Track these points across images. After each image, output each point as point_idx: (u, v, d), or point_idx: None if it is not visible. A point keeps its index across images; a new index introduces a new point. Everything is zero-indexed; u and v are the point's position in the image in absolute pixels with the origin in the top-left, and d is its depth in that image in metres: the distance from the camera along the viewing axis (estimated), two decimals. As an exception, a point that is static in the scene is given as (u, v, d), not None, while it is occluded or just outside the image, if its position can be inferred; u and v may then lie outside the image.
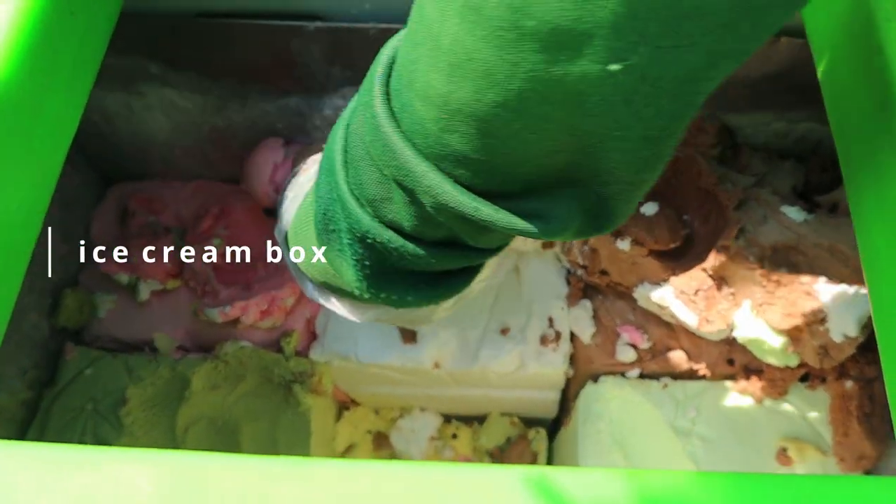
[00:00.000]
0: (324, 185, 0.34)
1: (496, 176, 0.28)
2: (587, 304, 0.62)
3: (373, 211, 0.32)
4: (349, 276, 0.35)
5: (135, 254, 0.63)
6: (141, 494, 0.20)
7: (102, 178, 0.69)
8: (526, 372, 0.62)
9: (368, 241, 0.33)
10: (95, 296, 0.64)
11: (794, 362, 0.55)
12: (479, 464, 0.70)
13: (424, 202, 0.30)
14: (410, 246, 0.33)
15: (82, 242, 0.66)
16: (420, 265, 0.34)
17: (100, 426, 0.60)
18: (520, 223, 0.29)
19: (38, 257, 0.60)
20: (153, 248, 0.63)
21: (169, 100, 0.59)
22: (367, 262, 0.34)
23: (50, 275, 0.62)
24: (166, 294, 0.64)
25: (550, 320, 0.62)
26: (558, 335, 0.62)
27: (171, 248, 0.63)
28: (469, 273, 0.37)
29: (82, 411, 0.61)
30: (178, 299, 0.64)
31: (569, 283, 0.63)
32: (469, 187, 0.28)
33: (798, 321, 0.52)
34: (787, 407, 0.60)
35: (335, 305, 0.42)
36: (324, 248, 0.36)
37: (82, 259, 0.66)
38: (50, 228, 0.62)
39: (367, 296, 0.36)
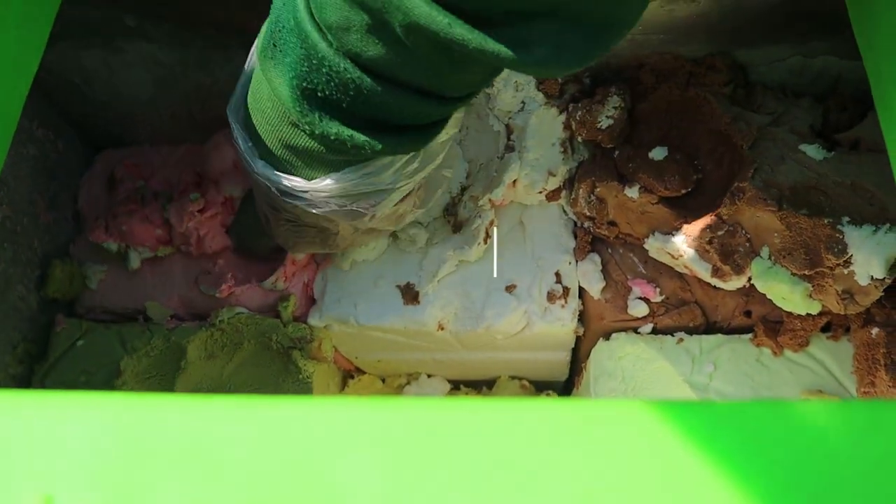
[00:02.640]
0: (278, 3, 0.33)
1: None
2: (595, 257, 0.59)
3: (333, 39, 0.31)
4: (285, 93, 0.34)
5: (124, 221, 0.60)
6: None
7: (89, 144, 0.67)
8: (533, 331, 0.59)
9: (324, 69, 0.32)
10: (85, 266, 0.62)
11: (815, 310, 0.52)
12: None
13: (393, 23, 0.29)
14: (367, 80, 0.32)
15: (70, 212, 0.64)
16: (374, 104, 0.33)
17: (93, 399, 0.58)
18: (494, 46, 0.28)
19: (24, 227, 0.58)
20: (142, 214, 0.60)
21: (149, 55, 0.56)
22: (307, 85, 0.34)
23: (35, 245, 0.60)
24: (158, 261, 0.62)
25: (558, 275, 0.59)
26: (566, 291, 0.59)
27: (161, 213, 0.61)
28: (427, 130, 0.37)
29: (75, 385, 0.59)
30: (170, 267, 0.62)
31: (575, 236, 0.60)
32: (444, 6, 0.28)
33: (821, 265, 0.49)
34: (808, 359, 0.57)
35: (287, 177, 0.41)
36: (264, 61, 0.35)
37: (70, 229, 0.64)
38: (37, 197, 0.60)
39: (302, 118, 0.35)
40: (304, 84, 0.34)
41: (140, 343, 0.60)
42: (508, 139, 0.60)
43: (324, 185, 0.40)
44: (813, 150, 0.52)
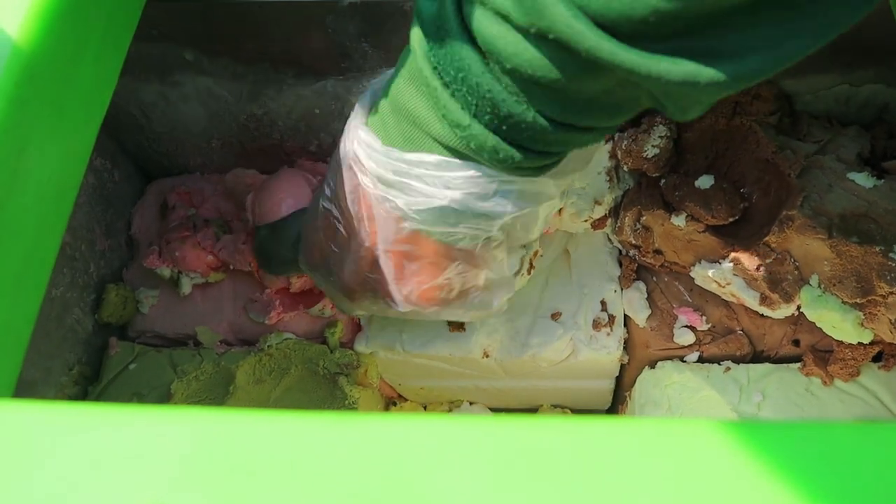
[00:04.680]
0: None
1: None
2: (641, 285, 0.59)
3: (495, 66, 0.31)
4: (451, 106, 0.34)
5: (177, 247, 0.62)
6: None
7: (142, 174, 0.69)
8: (578, 359, 0.59)
9: (483, 95, 0.32)
10: (138, 291, 0.64)
11: (867, 339, 0.52)
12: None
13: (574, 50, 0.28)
14: (542, 122, 0.32)
15: (123, 238, 0.66)
16: (538, 139, 0.33)
17: (145, 422, 0.60)
18: (695, 68, 0.26)
19: (82, 253, 0.60)
20: (194, 240, 0.62)
21: (204, 88, 0.58)
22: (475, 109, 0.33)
23: (92, 270, 0.61)
24: (209, 287, 0.63)
25: (603, 303, 0.59)
26: (612, 319, 0.59)
27: (212, 240, 0.62)
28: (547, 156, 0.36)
29: (127, 407, 0.60)
30: (220, 292, 0.64)
31: (621, 264, 0.61)
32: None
33: (873, 293, 0.49)
34: (859, 389, 0.56)
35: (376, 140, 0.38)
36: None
37: (124, 255, 0.66)
38: (94, 224, 0.62)
39: (469, 131, 0.34)
40: (460, 98, 0.33)
41: (190, 367, 0.61)
42: (554, 168, 0.60)
43: (398, 155, 0.37)
44: (862, 178, 0.52)
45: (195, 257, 0.62)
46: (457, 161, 0.36)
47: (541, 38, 0.29)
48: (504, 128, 0.33)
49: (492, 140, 0.34)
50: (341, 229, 0.43)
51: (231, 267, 0.62)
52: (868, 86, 0.55)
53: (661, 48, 0.27)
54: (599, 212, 0.59)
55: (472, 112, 0.33)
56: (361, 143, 0.38)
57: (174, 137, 0.64)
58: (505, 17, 0.29)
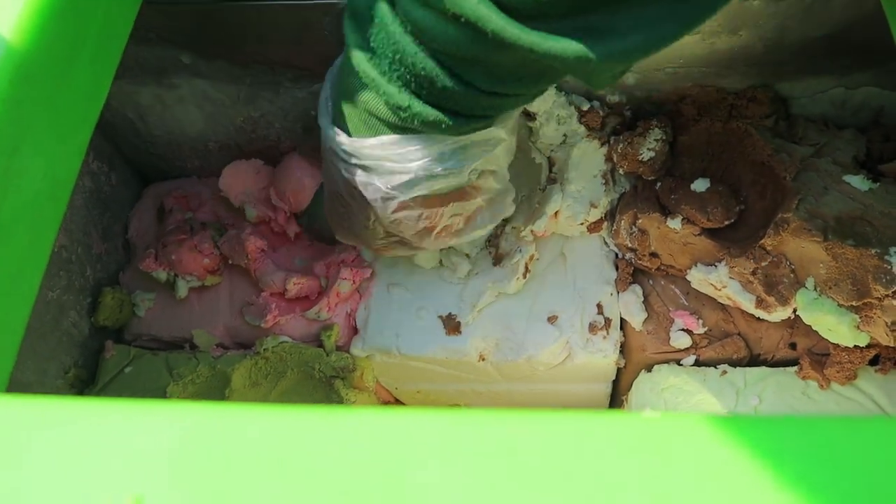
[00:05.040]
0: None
1: None
2: (637, 288, 0.59)
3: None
4: (366, 68, 0.38)
5: (173, 250, 0.62)
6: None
7: (139, 177, 0.69)
8: (574, 362, 0.59)
9: (408, 62, 0.35)
10: (135, 294, 0.64)
11: (863, 342, 0.52)
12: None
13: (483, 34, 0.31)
14: (448, 81, 0.35)
15: (120, 241, 0.66)
16: (448, 97, 0.36)
17: (140, 425, 0.59)
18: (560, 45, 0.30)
19: (78, 256, 0.60)
20: (191, 243, 0.62)
21: (201, 91, 0.58)
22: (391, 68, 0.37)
23: (88, 273, 0.61)
24: (205, 290, 0.63)
25: (599, 307, 0.59)
26: (608, 322, 0.59)
27: (209, 243, 0.62)
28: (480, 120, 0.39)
29: (123, 411, 0.60)
30: (217, 296, 0.63)
31: (617, 267, 0.60)
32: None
33: (869, 296, 0.49)
34: (856, 392, 0.56)
35: (340, 133, 0.42)
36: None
37: (121, 258, 0.66)
38: (91, 228, 0.62)
39: (391, 97, 0.37)
40: (386, 64, 0.37)
41: (186, 370, 0.61)
42: (551, 171, 0.60)
43: (361, 144, 0.42)
44: (857, 181, 0.52)
45: (192, 260, 0.62)
46: (411, 136, 0.40)
47: (456, 20, 0.32)
48: (441, 100, 0.37)
49: (433, 114, 0.37)
50: (352, 212, 0.48)
51: (230, 261, 0.62)
52: (863, 89, 0.55)
53: (557, 27, 0.30)
54: (595, 215, 0.59)
55: (410, 90, 0.37)
56: (333, 140, 0.43)
57: (171, 140, 0.64)
58: (423, 3, 0.33)
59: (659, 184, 0.57)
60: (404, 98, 0.37)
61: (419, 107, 0.37)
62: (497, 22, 0.31)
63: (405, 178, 0.42)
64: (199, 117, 0.61)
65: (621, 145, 0.57)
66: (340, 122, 0.43)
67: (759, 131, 0.55)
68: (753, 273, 0.53)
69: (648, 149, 0.56)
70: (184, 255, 0.62)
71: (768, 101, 0.56)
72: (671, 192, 0.56)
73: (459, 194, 0.46)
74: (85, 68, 0.35)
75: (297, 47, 0.54)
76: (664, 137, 0.56)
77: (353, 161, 0.43)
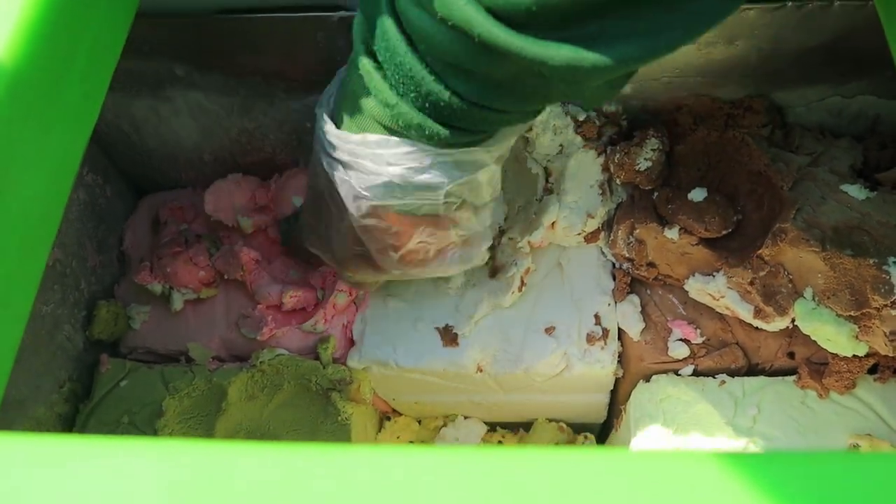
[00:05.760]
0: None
1: None
2: (635, 298, 0.59)
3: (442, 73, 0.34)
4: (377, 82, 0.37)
5: (168, 263, 0.62)
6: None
7: (134, 189, 0.68)
8: (572, 373, 0.59)
9: (422, 90, 0.35)
10: (130, 307, 0.63)
11: (862, 351, 0.52)
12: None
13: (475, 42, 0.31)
14: (456, 100, 0.35)
15: (115, 254, 0.65)
16: (454, 115, 0.36)
17: (136, 439, 0.59)
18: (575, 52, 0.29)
19: (73, 270, 0.60)
20: (186, 256, 0.62)
21: (196, 103, 0.58)
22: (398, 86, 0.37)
23: (83, 286, 0.61)
24: (200, 303, 0.63)
25: (597, 317, 0.59)
26: (605, 332, 0.59)
27: (204, 255, 0.62)
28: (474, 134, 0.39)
29: (118, 424, 0.60)
30: (212, 308, 0.63)
31: (614, 277, 0.60)
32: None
33: (867, 305, 0.48)
34: (855, 402, 0.56)
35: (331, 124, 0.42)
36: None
37: (116, 271, 0.66)
38: (85, 240, 0.61)
39: (399, 109, 0.37)
40: (394, 82, 0.37)
41: (182, 384, 0.61)
42: (547, 182, 0.60)
43: (348, 137, 0.41)
44: (855, 190, 0.52)
45: (187, 273, 0.61)
46: (394, 139, 0.39)
47: (444, 22, 0.32)
48: (427, 105, 0.36)
49: (417, 118, 0.37)
50: (328, 211, 0.46)
51: (225, 276, 0.62)
52: (859, 97, 0.55)
53: (549, 36, 0.30)
54: (592, 225, 0.59)
55: (399, 91, 0.36)
56: (322, 129, 0.42)
57: (166, 152, 0.64)
58: (418, 3, 0.33)
59: (656, 194, 0.57)
60: (392, 96, 0.37)
61: (405, 107, 0.37)
62: (484, 26, 0.30)
63: (380, 180, 0.41)
64: (194, 129, 0.61)
65: (618, 155, 0.57)
66: (336, 116, 0.42)
67: (756, 141, 0.55)
68: (751, 283, 0.53)
69: (645, 159, 0.56)
70: (179, 268, 0.61)
71: (764, 110, 0.56)
72: (668, 202, 0.55)
73: (434, 220, 0.44)
74: (76, 86, 0.35)
75: (290, 59, 0.53)
76: (661, 147, 0.56)
77: (336, 154, 0.42)
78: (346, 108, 0.41)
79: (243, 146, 0.62)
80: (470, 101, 0.35)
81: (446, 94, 0.35)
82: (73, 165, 0.35)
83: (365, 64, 0.37)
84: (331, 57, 0.53)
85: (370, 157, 0.40)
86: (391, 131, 0.39)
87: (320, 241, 0.50)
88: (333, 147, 0.42)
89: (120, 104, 0.58)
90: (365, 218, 0.44)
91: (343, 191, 0.43)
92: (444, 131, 0.37)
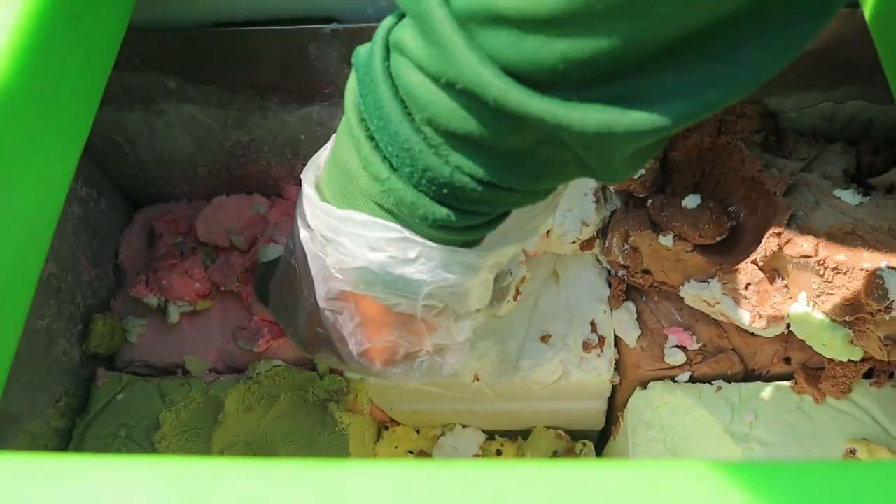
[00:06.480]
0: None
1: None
2: (631, 305, 0.59)
3: (443, 152, 0.30)
4: (368, 154, 0.32)
5: (164, 275, 0.62)
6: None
7: (129, 202, 0.68)
8: (569, 380, 0.59)
9: (427, 175, 0.31)
10: (126, 320, 0.63)
11: (857, 356, 0.52)
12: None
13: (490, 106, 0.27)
14: (468, 181, 0.30)
15: (110, 267, 0.65)
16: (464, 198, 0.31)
17: (133, 453, 0.59)
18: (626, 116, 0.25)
19: (68, 284, 0.60)
20: (181, 268, 0.62)
21: (189, 115, 0.58)
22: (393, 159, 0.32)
23: (78, 300, 0.61)
24: (196, 315, 0.63)
25: (593, 325, 0.59)
26: (602, 340, 0.59)
27: (200, 268, 0.62)
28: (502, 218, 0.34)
29: (115, 438, 0.60)
30: (208, 320, 0.63)
31: (610, 285, 0.60)
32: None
33: (862, 310, 0.48)
34: (852, 406, 0.56)
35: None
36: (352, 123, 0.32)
37: (111, 284, 0.66)
38: (80, 254, 0.61)
39: (398, 191, 0.32)
40: (387, 152, 0.32)
41: (179, 396, 0.61)
42: (541, 190, 0.60)
43: (333, 211, 0.36)
44: (848, 195, 0.52)
45: (182, 285, 0.61)
46: (381, 222, 0.34)
47: (450, 87, 0.28)
48: (423, 182, 0.31)
49: (411, 195, 0.32)
50: (298, 283, 0.42)
51: (221, 288, 0.62)
52: (852, 102, 0.55)
53: (576, 97, 0.26)
54: (587, 233, 0.59)
55: (392, 164, 0.32)
56: (305, 197, 0.38)
57: (160, 165, 0.64)
58: (419, 66, 0.28)
59: (650, 201, 0.57)
60: (384, 170, 0.32)
61: (398, 183, 0.32)
62: (500, 88, 0.26)
63: (356, 263, 0.36)
64: (188, 142, 0.61)
65: (611, 163, 0.57)
66: (323, 183, 0.37)
67: (749, 147, 0.55)
68: (746, 288, 0.53)
69: (638, 166, 0.56)
70: (174, 280, 0.61)
71: (757, 116, 0.56)
72: (662, 209, 0.55)
73: (407, 321, 0.39)
74: (67, 102, 0.35)
75: (283, 72, 0.54)
76: (654, 154, 0.56)
77: (314, 224, 0.37)
78: (334, 177, 0.35)
79: (238, 159, 0.62)
80: (474, 177, 0.30)
81: (447, 170, 0.30)
82: (64, 182, 0.35)
83: (356, 130, 0.32)
84: (324, 69, 0.53)
85: (351, 237, 0.35)
86: (382, 209, 0.34)
87: (286, 314, 0.45)
88: (316, 217, 0.37)
89: (114, 117, 0.58)
90: (332, 301, 0.39)
91: (315, 267, 0.39)
92: (440, 210, 0.32)
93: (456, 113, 0.28)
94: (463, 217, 0.33)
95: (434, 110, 0.29)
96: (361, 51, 0.32)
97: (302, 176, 0.38)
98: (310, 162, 0.39)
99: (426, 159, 0.30)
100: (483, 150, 0.30)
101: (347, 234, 0.35)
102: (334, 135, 0.38)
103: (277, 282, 0.45)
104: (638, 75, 0.25)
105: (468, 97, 0.28)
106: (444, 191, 0.31)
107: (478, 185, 0.31)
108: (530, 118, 0.26)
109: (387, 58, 0.30)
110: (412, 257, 0.35)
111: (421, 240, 0.34)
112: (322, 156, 0.39)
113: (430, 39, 0.27)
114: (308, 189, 0.37)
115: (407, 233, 0.34)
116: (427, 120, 0.29)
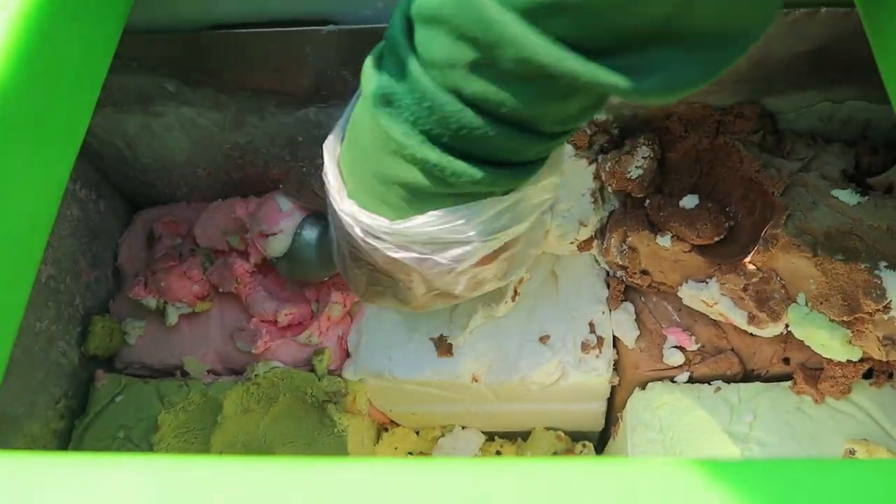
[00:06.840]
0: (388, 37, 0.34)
1: (589, 25, 0.28)
2: (629, 306, 0.59)
3: (437, 74, 0.32)
4: (385, 122, 0.35)
5: (162, 277, 0.62)
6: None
7: (128, 204, 0.69)
8: (568, 381, 0.59)
9: (426, 104, 0.33)
10: (125, 322, 0.63)
11: (856, 356, 0.52)
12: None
13: (504, 57, 0.30)
14: (469, 113, 0.33)
15: (109, 269, 0.65)
16: (474, 138, 0.34)
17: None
18: (606, 76, 0.29)
19: (67, 286, 0.60)
20: (180, 270, 0.62)
21: (188, 118, 0.58)
22: (409, 116, 0.34)
23: (77, 302, 0.61)
24: (195, 317, 0.63)
25: (591, 325, 0.59)
26: (600, 341, 0.59)
27: (198, 269, 0.62)
28: (523, 168, 0.37)
29: (114, 440, 0.60)
30: (207, 322, 0.63)
31: (608, 285, 0.60)
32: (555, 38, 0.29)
33: (860, 310, 0.48)
34: (851, 406, 0.56)
35: (372, 216, 0.40)
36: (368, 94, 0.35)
37: (111, 286, 0.66)
38: (79, 256, 0.61)
39: (403, 147, 0.35)
40: (406, 115, 0.35)
41: (177, 398, 0.61)
42: (539, 191, 0.60)
43: (407, 226, 0.39)
44: (846, 195, 0.52)
45: (181, 287, 0.61)
46: (458, 207, 0.38)
47: (523, 79, 0.31)
48: (463, 145, 0.34)
49: (468, 170, 0.35)
50: (393, 283, 0.46)
51: (220, 289, 0.62)
52: (849, 103, 0.55)
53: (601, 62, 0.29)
54: (585, 233, 0.59)
55: (446, 148, 0.35)
56: (367, 226, 0.40)
57: (159, 167, 0.64)
58: (482, 71, 0.31)
59: (648, 201, 0.57)
60: (435, 154, 0.35)
61: (458, 164, 0.35)
62: (542, 47, 0.29)
63: (465, 248, 0.40)
64: (187, 144, 0.61)
65: (609, 163, 0.57)
66: (363, 199, 0.40)
67: (747, 147, 0.55)
68: (744, 289, 0.53)
69: (636, 166, 0.56)
70: (173, 282, 0.61)
71: (755, 116, 0.56)
72: (660, 210, 0.55)
73: (514, 254, 0.44)
74: (64, 104, 0.35)
75: (281, 74, 0.54)
76: (652, 155, 0.56)
77: (403, 242, 0.40)
78: (386, 193, 0.39)
79: (236, 160, 0.62)
80: (543, 132, 0.34)
81: (517, 134, 0.34)
82: (61, 180, 0.35)
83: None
84: (320, 70, 0.53)
85: (446, 232, 0.40)
86: (447, 196, 0.38)
87: (384, 300, 0.49)
88: (398, 237, 0.40)
89: (112, 120, 0.58)
90: (453, 278, 0.43)
91: (426, 268, 0.42)
92: (498, 172, 0.36)
93: (526, 98, 0.32)
94: (485, 169, 0.36)
95: (502, 103, 0.32)
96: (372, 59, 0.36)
97: (340, 205, 0.41)
98: (329, 179, 0.42)
99: (485, 129, 0.33)
100: (541, 118, 0.33)
101: (440, 233, 0.39)
102: (325, 153, 0.41)
103: (354, 276, 0.48)
104: (627, 50, 0.29)
105: (538, 82, 0.31)
106: (468, 139, 0.34)
107: (531, 137, 0.34)
108: (565, 75, 0.30)
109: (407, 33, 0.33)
110: (500, 210, 0.39)
111: (493, 199, 0.39)
112: (334, 181, 0.42)
113: None
114: (370, 218, 0.40)
115: (483, 202, 0.38)
116: (491, 111, 0.33)
